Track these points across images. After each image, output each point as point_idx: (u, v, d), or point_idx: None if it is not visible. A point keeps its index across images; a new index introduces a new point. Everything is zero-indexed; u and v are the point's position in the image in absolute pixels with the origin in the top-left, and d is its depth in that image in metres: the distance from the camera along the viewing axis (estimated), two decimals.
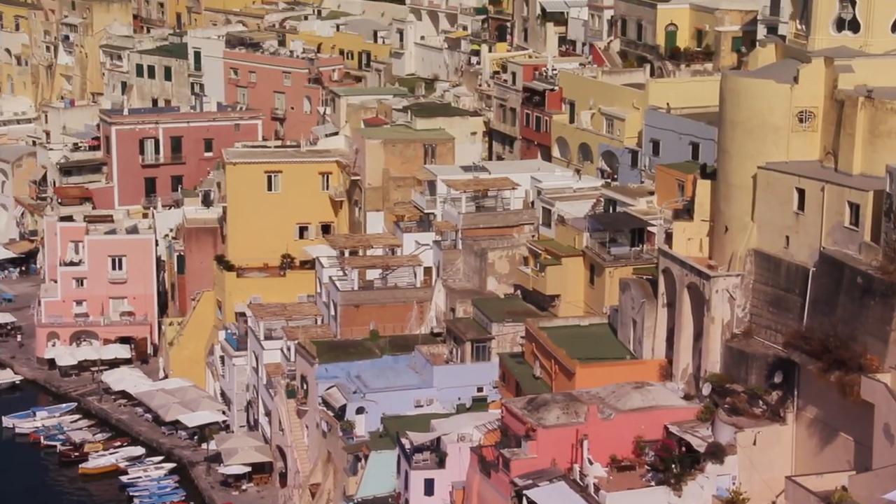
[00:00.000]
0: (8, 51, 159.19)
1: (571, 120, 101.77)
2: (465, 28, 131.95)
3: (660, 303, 68.03)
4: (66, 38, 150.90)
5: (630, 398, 63.88)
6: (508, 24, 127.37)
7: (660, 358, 68.23)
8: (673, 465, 60.52)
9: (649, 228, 76.63)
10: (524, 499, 60.23)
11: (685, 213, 70.52)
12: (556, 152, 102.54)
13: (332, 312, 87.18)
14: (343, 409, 76.51)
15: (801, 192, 62.23)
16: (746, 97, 65.06)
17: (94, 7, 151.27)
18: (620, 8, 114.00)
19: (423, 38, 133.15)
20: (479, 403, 74.71)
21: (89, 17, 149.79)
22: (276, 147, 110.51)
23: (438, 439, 68.47)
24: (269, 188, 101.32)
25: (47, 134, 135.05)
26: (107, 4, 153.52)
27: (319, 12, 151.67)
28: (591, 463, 60.95)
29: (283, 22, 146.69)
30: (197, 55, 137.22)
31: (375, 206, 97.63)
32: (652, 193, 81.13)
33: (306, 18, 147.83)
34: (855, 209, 59.95)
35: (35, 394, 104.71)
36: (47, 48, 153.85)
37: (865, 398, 56.17)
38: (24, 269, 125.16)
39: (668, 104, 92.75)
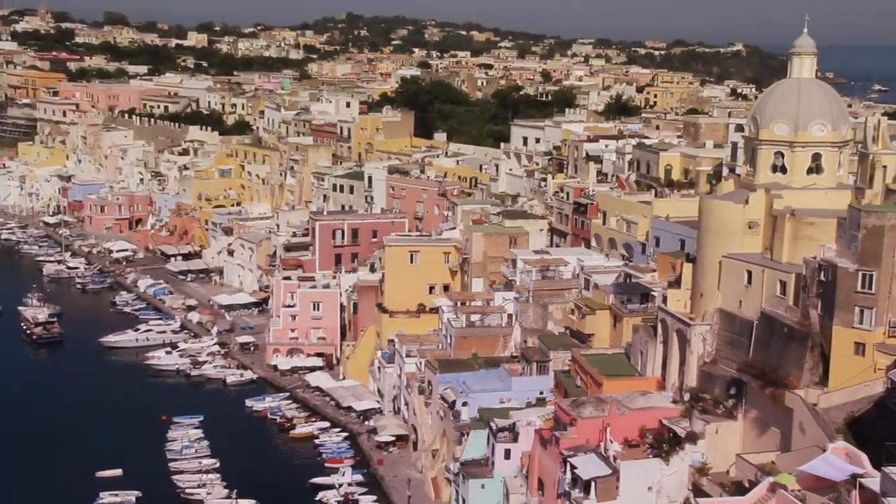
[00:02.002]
0: (257, 175, 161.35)
1: (604, 223, 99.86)
2: (537, 164, 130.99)
3: (658, 340, 66.53)
4: (292, 167, 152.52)
5: (637, 401, 62.49)
6: (565, 162, 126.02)
7: (657, 376, 66.44)
8: (664, 445, 59.08)
9: (652, 293, 74.34)
10: (568, 464, 58.52)
11: (675, 283, 68.62)
12: (593, 243, 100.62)
13: (449, 341, 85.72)
14: (454, 402, 75.12)
15: (749, 273, 61.41)
16: (715, 212, 64.21)
17: (309, 149, 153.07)
18: (636, 154, 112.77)
19: (510, 169, 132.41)
20: (541, 402, 72.75)
21: (306, 155, 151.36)
22: (416, 236, 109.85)
23: (514, 423, 67.25)
24: (411, 261, 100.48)
25: (277, 226, 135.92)
26: (316, 147, 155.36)
27: (446, 153, 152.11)
28: (611, 442, 59.19)
29: (424, 158, 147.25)
30: (370, 178, 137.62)
31: (478, 274, 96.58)
32: (654, 271, 79.05)
33: (438, 157, 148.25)
34: (783, 285, 59.43)
35: (264, 386, 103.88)
36: (280, 174, 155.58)
37: (788, 405, 55.15)
38: (261, 308, 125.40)
39: (667, 215, 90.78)
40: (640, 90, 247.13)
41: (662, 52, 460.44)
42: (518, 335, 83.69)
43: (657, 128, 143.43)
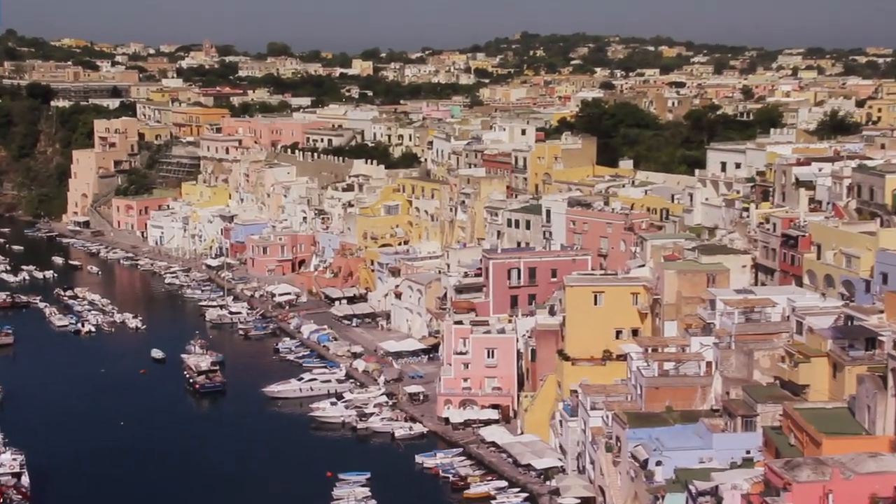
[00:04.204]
0: (426, 211, 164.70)
1: (819, 257, 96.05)
2: (738, 192, 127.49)
3: (889, 393, 62.54)
4: (463, 202, 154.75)
5: (866, 464, 58.62)
6: (771, 189, 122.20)
7: (889, 435, 62.50)
8: None
9: (880, 337, 70.57)
10: None
11: None
12: (806, 281, 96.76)
13: (639, 392, 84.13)
14: (646, 461, 73.50)
15: None
16: None
17: (481, 181, 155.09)
18: (856, 177, 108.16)
19: (707, 199, 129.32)
20: (747, 462, 70.03)
21: (478, 188, 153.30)
22: (600, 275, 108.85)
23: (717, 487, 64.51)
24: (595, 303, 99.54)
25: (448, 266, 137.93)
26: (489, 179, 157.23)
27: (633, 182, 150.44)
28: None
29: (608, 189, 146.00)
30: (548, 212, 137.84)
31: (671, 317, 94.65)
32: (882, 312, 75.01)
33: (623, 186, 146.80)
34: None
35: (435, 441, 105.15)
36: (450, 209, 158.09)
37: None
38: (431, 356, 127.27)
39: None
40: (860, 104, 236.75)
41: (888, 60, 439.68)
42: (719, 386, 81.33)
43: (882, 147, 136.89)
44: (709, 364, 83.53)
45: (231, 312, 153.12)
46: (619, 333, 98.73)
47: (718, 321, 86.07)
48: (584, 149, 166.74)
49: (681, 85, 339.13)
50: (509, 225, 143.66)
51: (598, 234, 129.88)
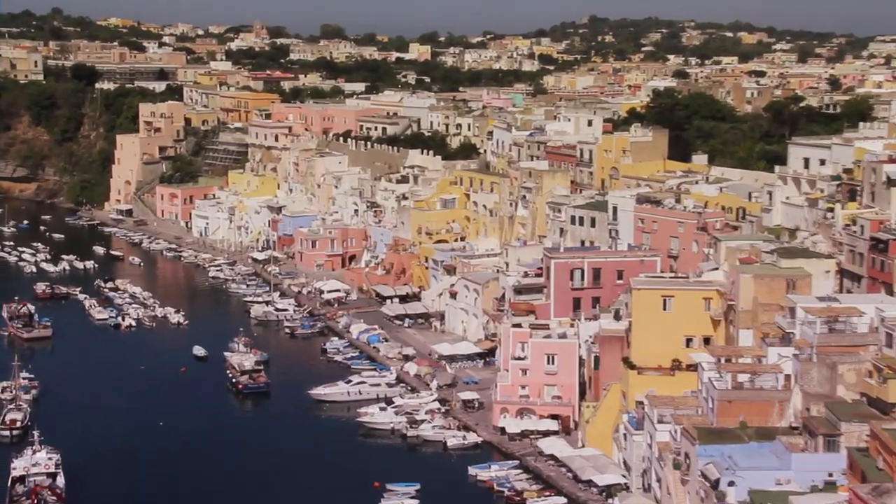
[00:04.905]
0: (484, 206, 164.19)
1: None
2: (822, 191, 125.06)
3: None
4: (524, 197, 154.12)
5: None
6: (858, 188, 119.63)
7: None
8: None
9: None
10: None
11: None
12: None
13: (710, 405, 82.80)
14: (717, 481, 72.44)
15: None
16: None
17: (544, 175, 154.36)
18: None
19: (787, 197, 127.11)
20: (829, 486, 68.56)
21: (540, 182, 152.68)
22: (670, 278, 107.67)
23: None
24: (664, 308, 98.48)
25: (507, 264, 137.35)
26: (552, 173, 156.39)
27: (707, 178, 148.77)
28: None
29: (679, 185, 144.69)
30: (614, 209, 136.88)
31: (746, 325, 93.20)
32: None
33: (697, 183, 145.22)
34: None
35: (490, 451, 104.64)
36: (510, 204, 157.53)
37: None
38: (486, 360, 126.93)
39: None
40: None
41: None
42: (798, 401, 79.75)
43: None
44: (787, 377, 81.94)
45: (277, 309, 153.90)
46: (689, 341, 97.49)
47: (799, 331, 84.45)
48: (654, 142, 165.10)
49: (761, 74, 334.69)
50: (573, 222, 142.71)
51: (669, 234, 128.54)
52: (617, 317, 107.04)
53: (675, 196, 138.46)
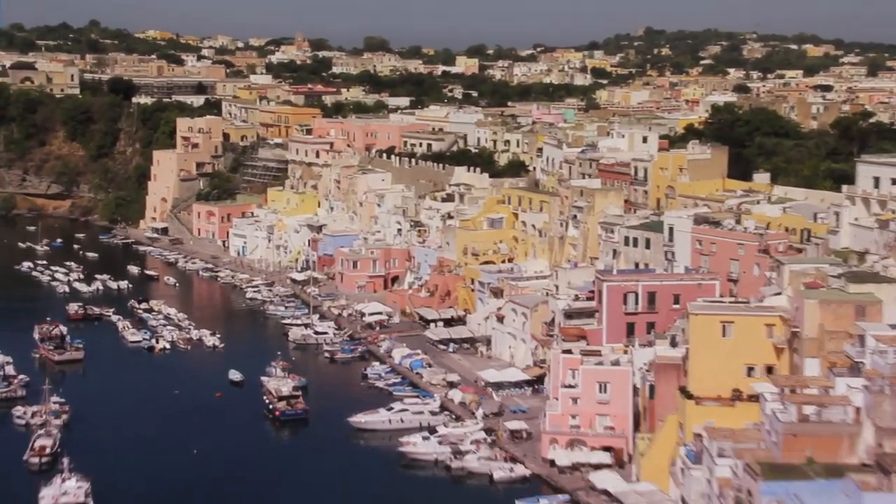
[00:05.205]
0: (533, 226, 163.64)
1: None
2: (893, 212, 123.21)
3: None
4: (575, 216, 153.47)
5: None
6: None
7: None
8: None
9: None
10: None
11: None
12: None
13: (774, 439, 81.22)
14: None
15: None
16: None
17: (596, 194, 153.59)
18: None
19: (856, 219, 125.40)
20: None
21: (592, 201, 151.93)
22: (730, 302, 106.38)
23: None
24: (724, 335, 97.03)
25: (557, 287, 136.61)
26: (605, 192, 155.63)
27: (769, 198, 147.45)
28: None
29: (740, 205, 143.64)
30: (671, 230, 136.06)
31: (812, 354, 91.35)
32: None
33: (758, 203, 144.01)
34: None
35: (539, 485, 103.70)
36: (560, 224, 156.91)
37: None
38: (535, 388, 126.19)
39: None
40: None
41: None
42: (870, 436, 77.96)
43: None
44: (857, 410, 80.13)
45: (316, 332, 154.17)
46: (750, 370, 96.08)
47: (869, 360, 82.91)
48: (713, 159, 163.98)
49: (827, 88, 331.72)
50: (626, 243, 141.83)
51: (728, 257, 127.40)
52: (673, 343, 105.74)
53: (736, 216, 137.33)
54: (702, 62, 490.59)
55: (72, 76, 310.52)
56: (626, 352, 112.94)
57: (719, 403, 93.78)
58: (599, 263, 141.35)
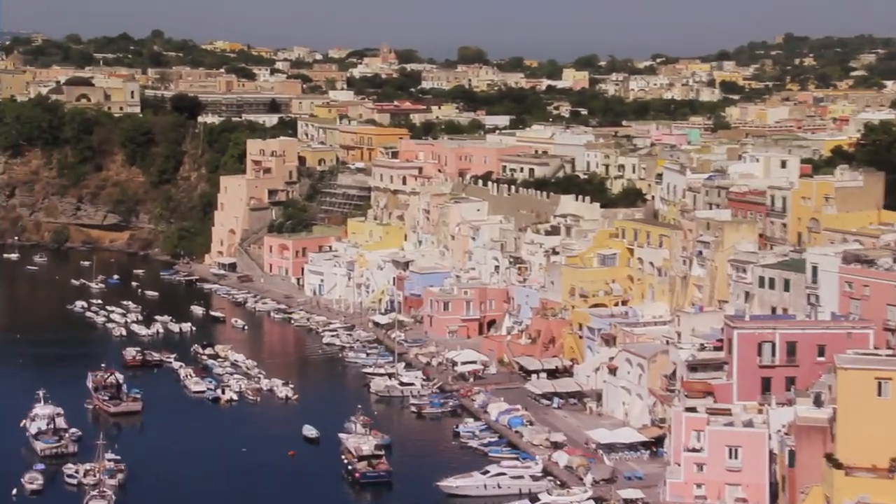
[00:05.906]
0: (651, 263, 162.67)
1: None
2: None
3: None
4: (700, 252, 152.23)
5: None
6: None
7: None
8: None
9: None
10: None
11: None
12: None
13: None
14: None
15: None
16: None
17: (725, 227, 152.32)
18: None
19: None
20: None
21: (721, 235, 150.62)
22: (887, 356, 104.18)
23: None
24: (879, 393, 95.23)
25: (678, 335, 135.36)
26: (737, 225, 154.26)
27: None
28: None
29: None
30: (814, 269, 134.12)
31: None
32: None
33: None
34: None
35: None
36: (683, 261, 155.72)
37: None
38: (653, 451, 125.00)
39: None
40: None
41: None
42: None
43: None
44: None
45: (402, 383, 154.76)
46: None
47: None
48: (866, 187, 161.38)
49: None
50: (761, 284, 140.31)
51: (885, 302, 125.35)
52: (818, 402, 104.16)
53: (893, 254, 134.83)
54: (853, 73, 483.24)
55: (132, 93, 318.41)
56: (760, 411, 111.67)
57: (874, 475, 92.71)
58: (729, 308, 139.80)
